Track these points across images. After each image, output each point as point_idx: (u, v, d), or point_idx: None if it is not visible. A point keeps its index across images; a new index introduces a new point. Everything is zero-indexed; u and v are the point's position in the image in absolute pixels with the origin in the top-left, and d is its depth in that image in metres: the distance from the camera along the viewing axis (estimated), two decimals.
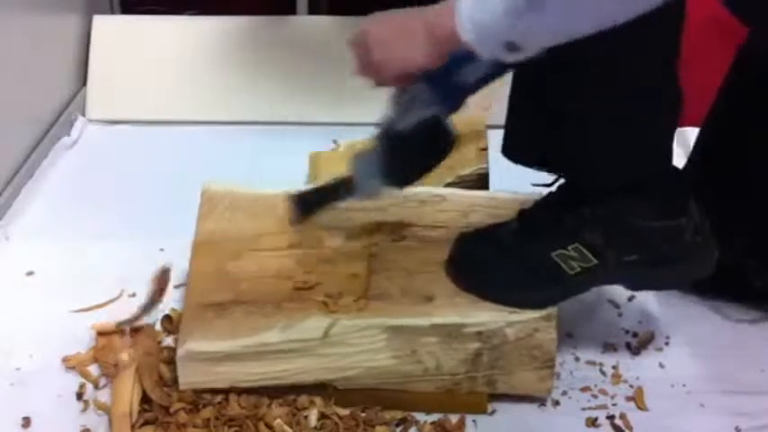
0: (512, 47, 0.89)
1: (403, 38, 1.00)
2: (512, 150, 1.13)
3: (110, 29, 1.81)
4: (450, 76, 1.02)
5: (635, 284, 1.16)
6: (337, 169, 1.49)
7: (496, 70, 1.00)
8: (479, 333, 1.09)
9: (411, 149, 1.10)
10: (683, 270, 1.12)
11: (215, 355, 1.08)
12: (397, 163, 1.11)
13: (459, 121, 1.23)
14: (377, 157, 1.12)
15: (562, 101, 1.02)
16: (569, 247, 1.08)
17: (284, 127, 1.73)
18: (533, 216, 1.14)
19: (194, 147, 1.67)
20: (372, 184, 1.13)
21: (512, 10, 0.86)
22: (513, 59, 0.91)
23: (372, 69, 1.03)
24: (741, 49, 1.23)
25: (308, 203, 1.20)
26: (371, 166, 1.12)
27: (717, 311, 1.29)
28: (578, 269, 1.09)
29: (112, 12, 1.93)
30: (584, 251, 1.08)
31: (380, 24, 1.02)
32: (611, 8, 0.84)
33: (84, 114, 1.76)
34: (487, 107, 1.41)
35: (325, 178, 1.42)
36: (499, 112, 1.16)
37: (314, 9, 1.93)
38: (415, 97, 1.06)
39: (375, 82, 1.05)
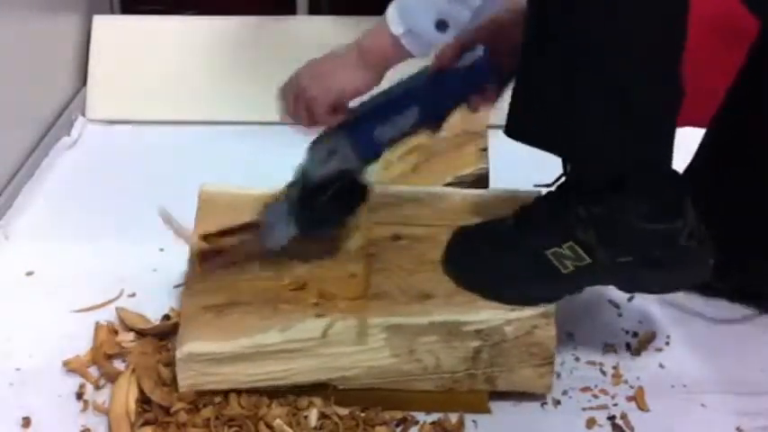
0: (441, 25, 1.00)
1: (337, 69, 1.07)
2: (514, 128, 1.09)
3: (110, 29, 1.81)
4: (371, 133, 1.09)
5: (628, 286, 1.15)
6: None
7: (410, 130, 1.09)
8: (479, 331, 1.09)
9: (324, 199, 1.13)
10: (677, 275, 1.11)
11: (214, 357, 1.08)
12: (308, 212, 1.14)
13: (459, 120, 1.23)
14: (288, 204, 1.15)
15: (562, 79, 1.01)
16: (564, 246, 1.08)
17: (284, 127, 1.72)
18: (530, 213, 1.13)
19: (194, 147, 1.67)
20: (281, 232, 1.15)
21: None
22: (445, 39, 1.01)
23: (305, 106, 1.08)
24: (752, 47, 1.21)
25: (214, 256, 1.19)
26: (282, 214, 1.15)
27: (717, 311, 1.29)
28: (572, 268, 1.09)
29: (112, 12, 1.93)
30: (578, 250, 1.08)
31: (313, 64, 1.09)
32: None
33: (84, 114, 1.76)
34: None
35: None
36: (499, 113, 1.15)
37: (314, 9, 1.93)
38: (333, 150, 1.11)
39: (306, 122, 1.10)
